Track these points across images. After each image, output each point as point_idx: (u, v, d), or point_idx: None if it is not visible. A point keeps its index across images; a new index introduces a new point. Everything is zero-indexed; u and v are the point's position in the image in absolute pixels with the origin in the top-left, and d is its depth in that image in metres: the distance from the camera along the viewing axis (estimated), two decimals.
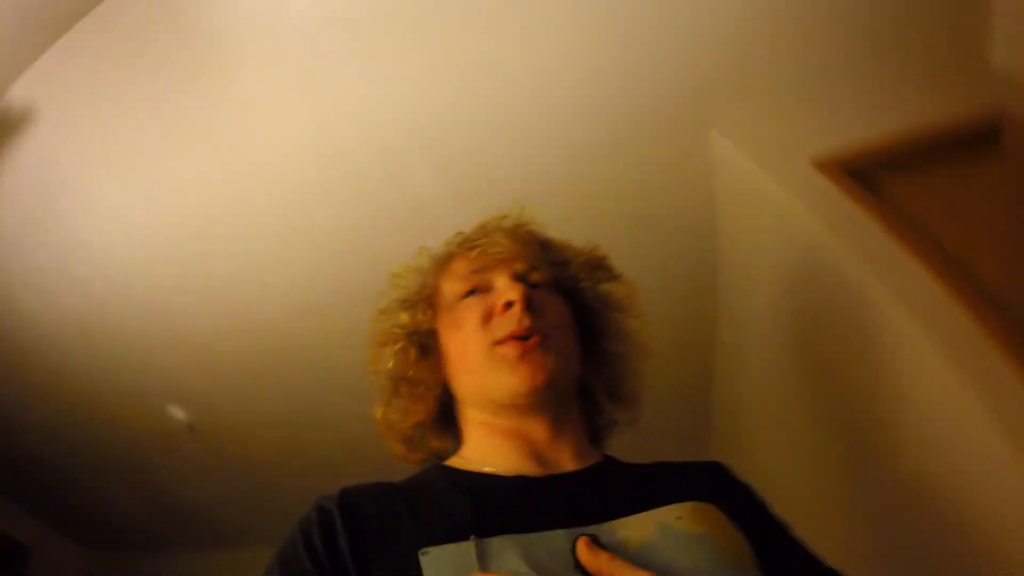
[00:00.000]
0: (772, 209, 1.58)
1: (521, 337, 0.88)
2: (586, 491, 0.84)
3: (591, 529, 0.71)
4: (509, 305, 0.90)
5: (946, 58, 1.51)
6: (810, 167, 1.45)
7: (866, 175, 1.40)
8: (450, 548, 0.69)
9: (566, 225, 1.10)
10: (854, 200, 1.38)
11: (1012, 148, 1.35)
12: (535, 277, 0.97)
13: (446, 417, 1.01)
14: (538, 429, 0.89)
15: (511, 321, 0.89)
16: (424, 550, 0.69)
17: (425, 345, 1.00)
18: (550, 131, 1.79)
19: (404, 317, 1.02)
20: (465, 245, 1.04)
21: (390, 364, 1.01)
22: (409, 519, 0.78)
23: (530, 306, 0.90)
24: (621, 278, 1.07)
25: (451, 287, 1.00)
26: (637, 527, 0.73)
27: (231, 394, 2.55)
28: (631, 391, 1.05)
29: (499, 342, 0.88)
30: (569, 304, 1.00)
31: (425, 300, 1.02)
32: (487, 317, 0.92)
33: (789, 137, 1.55)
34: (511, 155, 1.84)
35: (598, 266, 1.06)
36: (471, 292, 0.97)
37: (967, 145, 1.38)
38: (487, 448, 0.91)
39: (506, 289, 0.92)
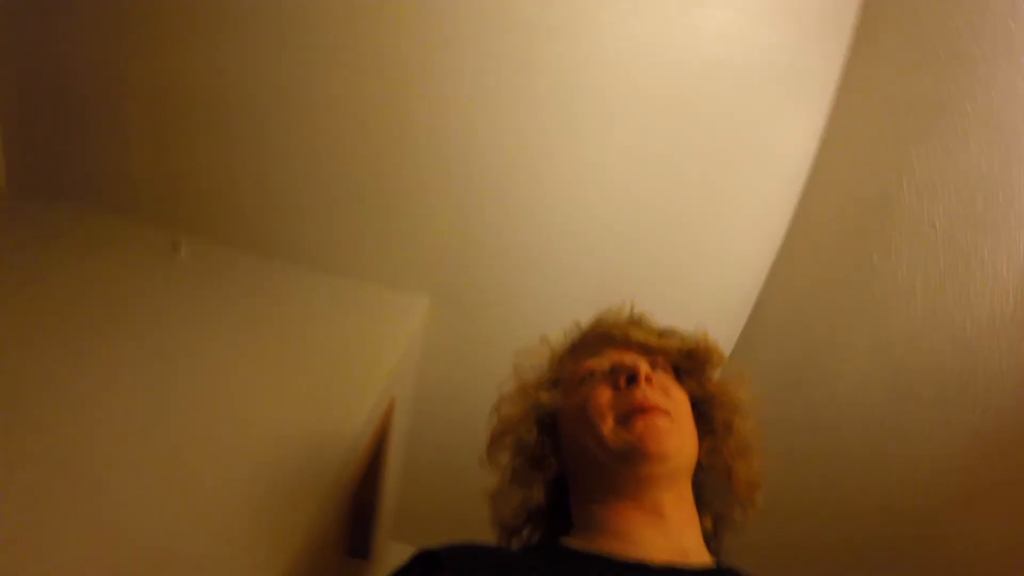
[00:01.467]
0: None
1: (644, 408, 0.93)
2: None
3: None
4: (632, 380, 0.96)
5: None
6: None
7: None
8: None
9: None
10: None
11: None
12: (654, 360, 1.04)
13: (558, 506, 1.04)
14: (656, 510, 0.91)
15: (635, 394, 0.94)
16: None
17: (547, 426, 1.07)
18: None
19: (527, 399, 1.10)
20: (586, 333, 1.15)
21: (511, 447, 1.08)
22: None
23: (651, 383, 0.97)
24: (730, 363, 1.15)
25: (573, 370, 1.08)
26: None
27: None
28: (748, 476, 1.05)
29: (622, 414, 0.94)
30: (686, 389, 1.05)
31: (548, 382, 1.10)
32: (610, 394, 0.97)
33: None
34: None
35: (709, 350, 1.10)
36: (593, 374, 1.03)
37: None
38: (604, 528, 0.92)
39: (629, 366, 0.99)
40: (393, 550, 3.35)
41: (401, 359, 1.99)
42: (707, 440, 1.03)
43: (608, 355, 1.05)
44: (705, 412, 1.06)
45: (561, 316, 2.25)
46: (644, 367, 0.98)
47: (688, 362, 1.09)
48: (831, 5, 1.84)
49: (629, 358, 1.02)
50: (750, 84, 1.95)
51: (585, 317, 1.16)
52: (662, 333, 1.11)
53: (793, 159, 2.05)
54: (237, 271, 2.12)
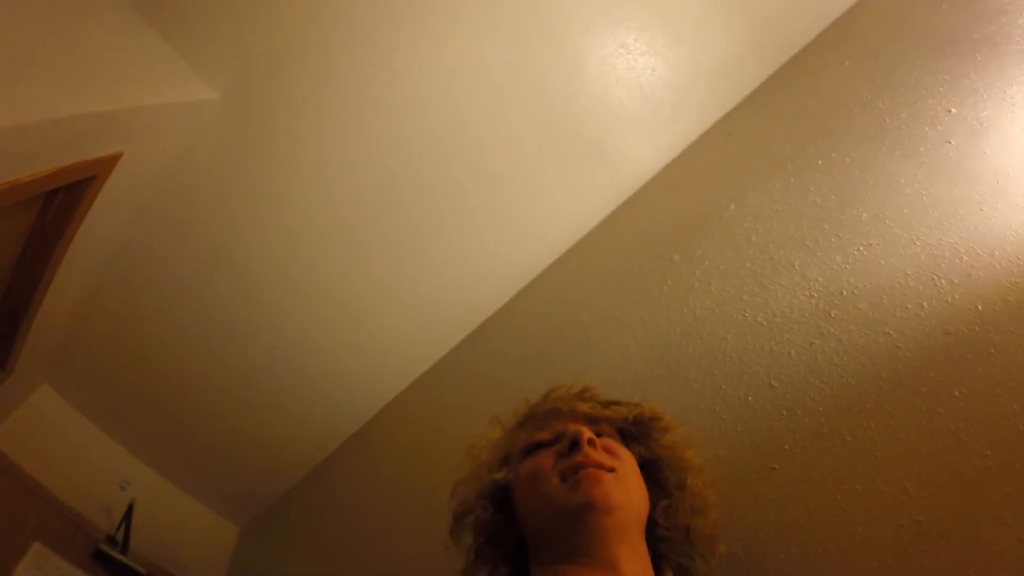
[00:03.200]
0: None
1: (587, 466, 0.96)
2: None
3: None
4: (575, 445, 1.00)
5: None
6: None
7: None
8: None
9: None
10: None
11: None
12: (600, 427, 1.08)
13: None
14: (610, 567, 0.90)
15: (577, 456, 0.98)
16: None
17: (501, 502, 1.09)
18: None
19: (479, 480, 1.13)
20: (534, 409, 1.18)
21: (472, 527, 1.11)
22: None
23: (595, 446, 1.01)
24: (677, 428, 1.15)
25: (522, 444, 1.10)
26: None
27: None
28: (707, 530, 1.06)
29: (567, 474, 0.97)
30: (634, 454, 1.07)
31: (500, 459, 1.13)
32: (555, 459, 1.01)
33: None
34: None
35: (654, 416, 1.13)
36: (541, 445, 1.07)
37: None
38: None
39: (573, 432, 1.02)
40: (43, 394, 2.85)
41: (140, 113, 1.78)
42: (662, 501, 1.05)
43: (552, 427, 1.09)
44: (657, 474, 1.08)
45: (349, 161, 2.17)
46: (587, 432, 1.02)
47: (635, 428, 1.12)
48: (742, 67, 1.99)
49: (573, 426, 1.05)
50: (624, 98, 2.05)
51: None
52: (607, 403, 1.15)
53: (633, 171, 2.13)
54: None
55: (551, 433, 1.08)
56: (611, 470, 0.98)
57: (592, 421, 1.10)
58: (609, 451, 1.03)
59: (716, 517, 1.08)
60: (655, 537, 1.02)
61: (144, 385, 2.84)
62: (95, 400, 2.90)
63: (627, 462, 1.03)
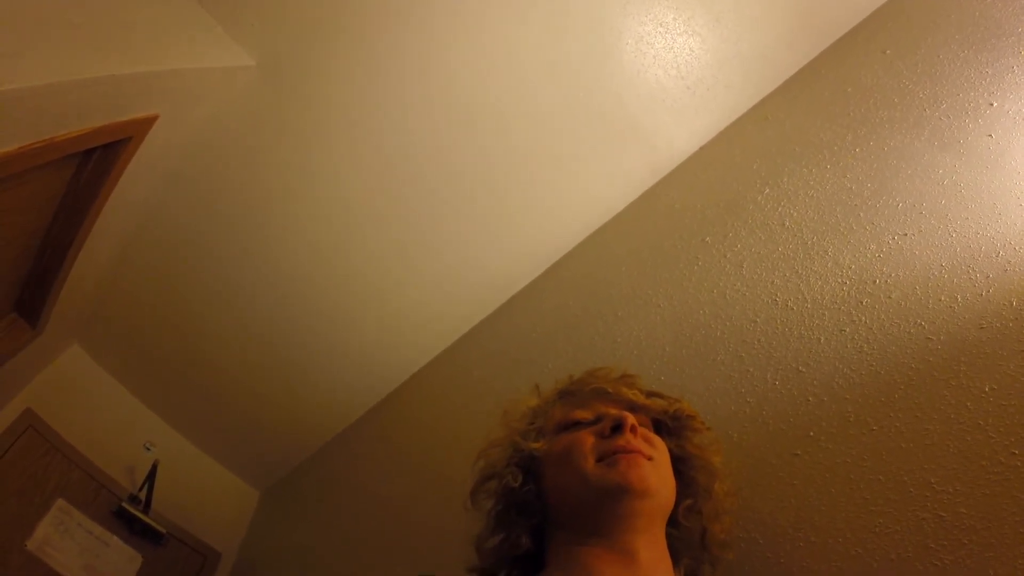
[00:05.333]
0: None
1: (627, 451, 0.97)
2: None
3: None
4: (617, 428, 1.01)
5: None
6: None
7: None
8: None
9: None
10: None
11: None
12: (639, 416, 1.07)
13: (535, 550, 1.04)
14: (629, 553, 0.91)
15: (618, 439, 0.99)
16: None
17: (531, 472, 1.08)
18: None
19: (513, 446, 1.12)
20: (576, 384, 1.19)
21: (496, 493, 1.10)
22: None
23: (636, 433, 1.01)
24: (709, 431, 1.16)
25: (561, 418, 1.11)
26: None
27: None
28: (722, 536, 1.06)
29: (605, 455, 0.97)
30: (666, 445, 1.07)
31: (536, 429, 1.13)
32: (594, 440, 1.01)
33: None
34: None
35: (691, 415, 1.14)
36: (579, 423, 1.07)
37: None
38: (577, 569, 0.92)
39: (616, 415, 1.02)
40: (74, 354, 2.87)
41: (177, 76, 1.80)
42: (687, 500, 1.05)
43: (594, 407, 1.10)
44: (685, 473, 1.08)
45: (380, 135, 2.17)
46: (631, 418, 1.02)
47: (673, 422, 1.13)
48: (781, 52, 1.97)
49: (615, 410, 1.06)
50: (661, 77, 2.03)
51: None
52: (649, 393, 1.16)
53: (667, 151, 2.12)
54: None
55: (592, 413, 1.09)
56: (649, 459, 0.98)
57: (632, 408, 1.09)
58: (648, 440, 1.03)
59: (731, 526, 1.09)
60: (671, 534, 1.03)
61: (172, 349, 2.87)
62: (124, 362, 2.95)
63: (663, 453, 1.04)
